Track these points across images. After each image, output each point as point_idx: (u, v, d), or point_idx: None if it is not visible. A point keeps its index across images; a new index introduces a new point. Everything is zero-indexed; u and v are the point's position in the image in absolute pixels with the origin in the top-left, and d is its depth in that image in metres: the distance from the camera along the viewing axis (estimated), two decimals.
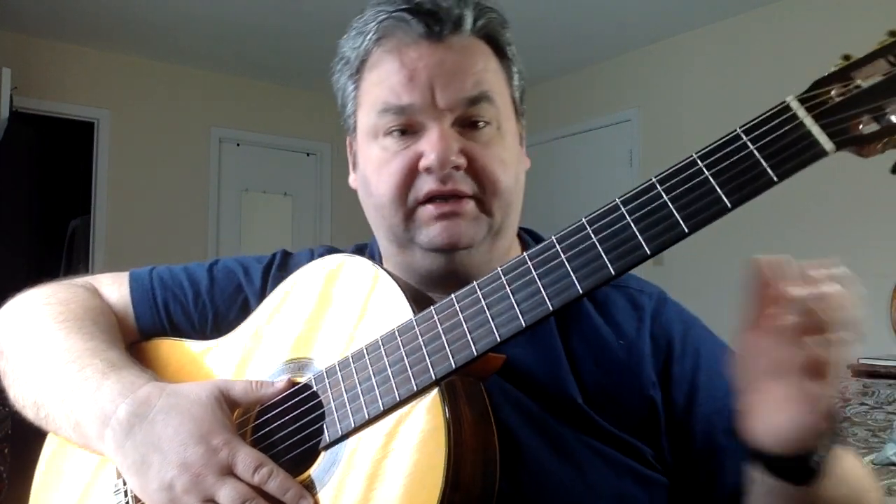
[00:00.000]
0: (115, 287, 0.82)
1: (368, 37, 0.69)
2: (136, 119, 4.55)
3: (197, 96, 4.82)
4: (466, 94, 0.66)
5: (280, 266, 0.83)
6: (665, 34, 4.20)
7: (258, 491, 0.57)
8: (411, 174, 0.67)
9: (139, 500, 0.67)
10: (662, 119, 4.28)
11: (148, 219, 4.55)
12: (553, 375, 0.67)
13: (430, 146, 0.65)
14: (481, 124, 0.68)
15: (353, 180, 0.78)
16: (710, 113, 4.00)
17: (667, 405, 0.67)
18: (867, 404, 2.38)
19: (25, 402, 0.73)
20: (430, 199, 0.66)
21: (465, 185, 0.66)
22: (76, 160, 4.69)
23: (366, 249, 0.83)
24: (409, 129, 0.67)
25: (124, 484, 0.68)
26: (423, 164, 0.65)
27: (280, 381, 0.64)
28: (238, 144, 5.01)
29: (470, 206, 0.67)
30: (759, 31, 3.80)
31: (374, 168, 0.69)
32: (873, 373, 2.96)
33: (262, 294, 0.80)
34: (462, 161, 0.65)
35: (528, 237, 0.80)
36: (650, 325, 0.70)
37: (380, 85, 0.68)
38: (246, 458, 0.58)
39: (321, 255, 0.82)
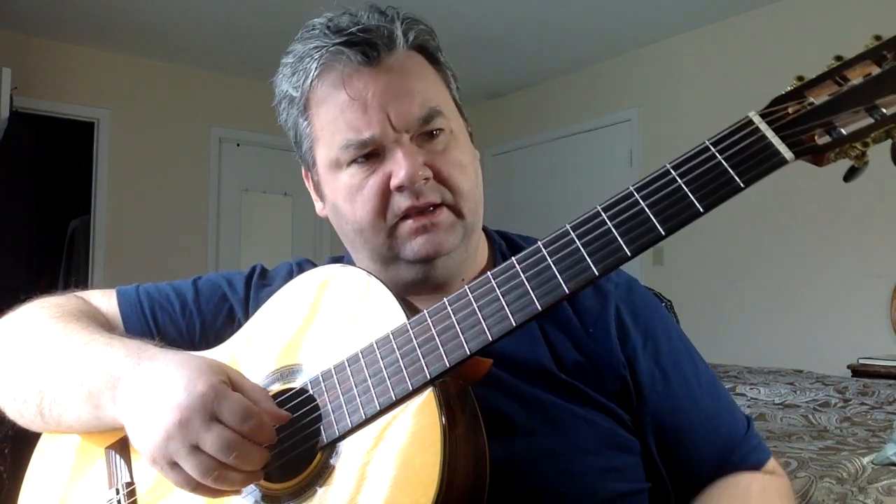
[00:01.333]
0: (103, 300, 0.84)
1: (310, 73, 0.71)
2: (136, 119, 4.56)
3: (197, 96, 4.83)
4: (419, 115, 0.69)
5: (261, 275, 0.86)
6: (665, 34, 4.20)
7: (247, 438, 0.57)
8: (385, 195, 0.70)
9: None
10: (662, 119, 4.29)
11: (148, 219, 4.55)
12: (536, 356, 0.72)
13: (398, 166, 0.68)
14: (436, 133, 0.71)
15: (320, 210, 0.81)
16: (710, 113, 4.00)
17: (635, 386, 0.73)
18: (867, 404, 2.37)
19: (26, 396, 0.72)
20: (408, 214, 0.70)
21: (435, 195, 0.70)
22: (76, 160, 4.70)
23: (342, 262, 0.85)
24: (371, 154, 0.70)
25: (117, 493, 0.69)
26: (394, 183, 0.68)
27: (284, 412, 0.63)
28: (238, 144, 5.02)
29: (444, 214, 0.71)
30: (759, 31, 3.81)
31: (346, 196, 0.72)
32: (873, 373, 2.96)
33: (246, 302, 0.83)
34: (428, 172, 0.69)
35: (495, 235, 0.84)
36: (614, 313, 0.75)
37: (335, 121, 0.70)
38: (232, 404, 0.57)
39: (299, 265, 0.86)
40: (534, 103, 5.09)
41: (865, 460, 1.62)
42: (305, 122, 0.75)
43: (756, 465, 0.74)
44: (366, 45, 0.69)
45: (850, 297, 3.35)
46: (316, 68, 0.70)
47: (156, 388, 0.60)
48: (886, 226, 3.22)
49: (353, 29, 0.69)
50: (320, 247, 5.21)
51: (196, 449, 0.56)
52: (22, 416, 0.74)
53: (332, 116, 0.71)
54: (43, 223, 4.45)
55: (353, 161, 0.70)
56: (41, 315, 0.77)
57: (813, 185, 3.42)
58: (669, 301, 1.85)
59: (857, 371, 3.05)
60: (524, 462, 0.66)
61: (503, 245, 0.83)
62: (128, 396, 0.62)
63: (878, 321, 3.25)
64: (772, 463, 0.76)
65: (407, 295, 0.74)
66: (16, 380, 0.73)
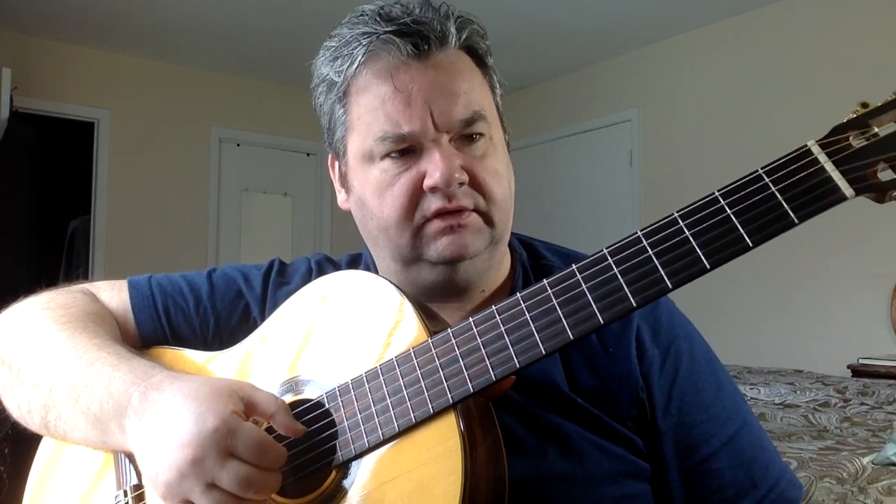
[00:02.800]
0: (113, 293, 0.82)
1: (356, 59, 0.68)
2: (136, 119, 4.56)
3: (197, 96, 4.83)
4: (462, 116, 0.67)
5: (279, 272, 0.83)
6: (665, 34, 4.20)
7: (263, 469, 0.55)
8: (416, 194, 0.67)
9: None
10: (662, 119, 4.28)
11: (148, 219, 4.55)
12: (550, 377, 0.69)
13: (434, 166, 0.65)
14: (476, 137, 0.68)
15: (343, 201, 0.77)
16: (710, 113, 4.00)
17: (650, 407, 0.70)
18: (867, 404, 2.38)
19: (31, 406, 0.71)
20: (437, 214, 0.67)
21: (468, 200, 0.67)
22: (76, 160, 4.70)
23: (360, 260, 0.84)
24: (407, 150, 0.67)
25: (125, 496, 0.68)
26: (428, 183, 0.66)
27: (300, 426, 0.61)
28: (238, 144, 5.02)
29: (473, 217, 0.68)
30: (759, 31, 3.81)
31: (375, 191, 0.69)
32: (873, 373, 2.96)
33: (262, 300, 0.80)
34: (464, 177, 0.66)
35: (517, 243, 0.81)
36: (637, 329, 0.71)
37: (374, 112, 0.67)
38: (247, 439, 0.55)
39: (318, 263, 0.83)
40: (534, 103, 5.09)
41: (865, 460, 1.62)
42: (342, 109, 0.71)
43: (788, 500, 0.69)
44: (417, 37, 0.66)
45: (850, 297, 3.35)
46: (363, 55, 0.67)
47: (165, 423, 0.57)
48: (886, 226, 3.22)
49: (406, 20, 0.66)
50: (320, 247, 5.20)
51: (212, 486, 0.54)
52: (27, 424, 0.73)
53: (371, 106, 0.67)
54: (43, 223, 4.44)
55: (388, 155, 0.67)
56: (46, 318, 0.74)
57: None
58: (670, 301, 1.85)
59: (857, 371, 3.05)
60: (534, 484, 0.64)
61: (524, 255, 0.79)
62: (136, 430, 0.60)
63: (878, 321, 3.25)
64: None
65: (425, 299, 0.71)
66: (20, 388, 0.72)
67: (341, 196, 0.78)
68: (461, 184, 0.66)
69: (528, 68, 4.77)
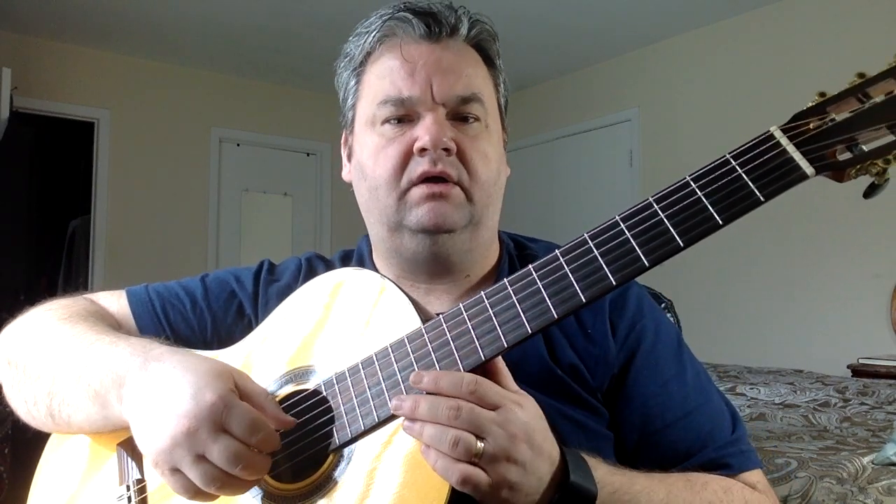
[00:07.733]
0: (113, 299, 0.85)
1: (372, 35, 0.76)
2: (136, 119, 4.56)
3: (197, 96, 4.83)
4: (459, 93, 0.73)
5: (269, 271, 0.87)
6: (665, 34, 4.20)
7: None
8: (406, 157, 0.73)
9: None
10: (662, 119, 4.28)
11: (148, 219, 4.55)
12: (537, 355, 0.73)
13: (424, 130, 0.72)
14: (471, 119, 0.75)
15: (346, 173, 0.84)
16: (710, 113, 4.00)
17: (618, 381, 0.75)
18: (867, 404, 2.37)
19: (36, 398, 0.73)
20: (422, 179, 0.72)
21: (453, 170, 0.72)
22: (76, 160, 4.70)
23: (352, 255, 0.88)
24: (405, 118, 0.74)
25: (127, 490, 0.69)
26: (417, 144, 0.72)
27: (289, 417, 0.62)
28: (238, 144, 5.02)
29: (456, 190, 0.73)
30: (759, 31, 3.81)
31: (371, 153, 0.75)
32: (873, 373, 2.96)
33: (255, 298, 0.84)
34: (452, 146, 0.72)
35: (506, 238, 0.85)
36: (609, 311, 0.76)
37: (382, 79, 0.75)
38: (241, 416, 0.56)
39: (308, 260, 0.87)
40: (534, 103, 5.09)
41: (865, 460, 1.61)
42: (355, 80, 0.79)
43: (731, 468, 0.71)
44: (431, 18, 0.74)
45: (850, 297, 3.35)
46: (378, 29, 0.76)
47: (163, 392, 0.59)
48: (886, 226, 3.22)
49: (424, 7, 0.75)
50: (320, 247, 5.21)
51: (201, 458, 0.56)
52: (34, 419, 0.75)
53: (380, 75, 0.75)
54: (43, 223, 4.44)
55: (387, 121, 0.74)
56: (49, 317, 0.77)
57: (813, 185, 3.41)
58: (670, 301, 1.83)
59: (857, 371, 3.05)
60: None
61: (511, 245, 0.84)
62: (134, 397, 0.62)
63: (878, 321, 3.25)
64: (756, 476, 0.73)
65: (414, 272, 0.77)
66: (26, 382, 0.74)
67: (346, 168, 0.84)
68: (447, 150, 0.71)
69: (528, 68, 4.77)
